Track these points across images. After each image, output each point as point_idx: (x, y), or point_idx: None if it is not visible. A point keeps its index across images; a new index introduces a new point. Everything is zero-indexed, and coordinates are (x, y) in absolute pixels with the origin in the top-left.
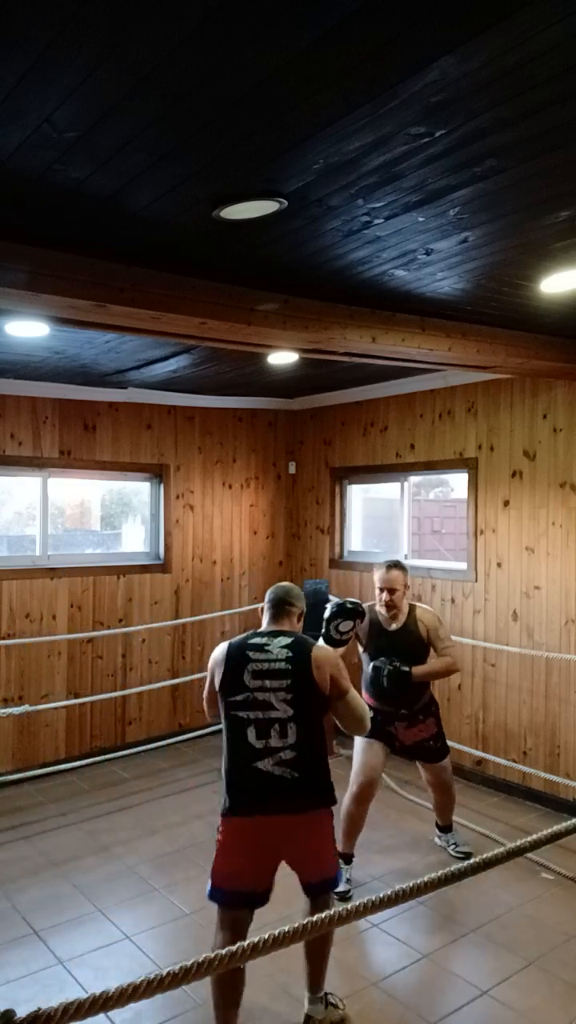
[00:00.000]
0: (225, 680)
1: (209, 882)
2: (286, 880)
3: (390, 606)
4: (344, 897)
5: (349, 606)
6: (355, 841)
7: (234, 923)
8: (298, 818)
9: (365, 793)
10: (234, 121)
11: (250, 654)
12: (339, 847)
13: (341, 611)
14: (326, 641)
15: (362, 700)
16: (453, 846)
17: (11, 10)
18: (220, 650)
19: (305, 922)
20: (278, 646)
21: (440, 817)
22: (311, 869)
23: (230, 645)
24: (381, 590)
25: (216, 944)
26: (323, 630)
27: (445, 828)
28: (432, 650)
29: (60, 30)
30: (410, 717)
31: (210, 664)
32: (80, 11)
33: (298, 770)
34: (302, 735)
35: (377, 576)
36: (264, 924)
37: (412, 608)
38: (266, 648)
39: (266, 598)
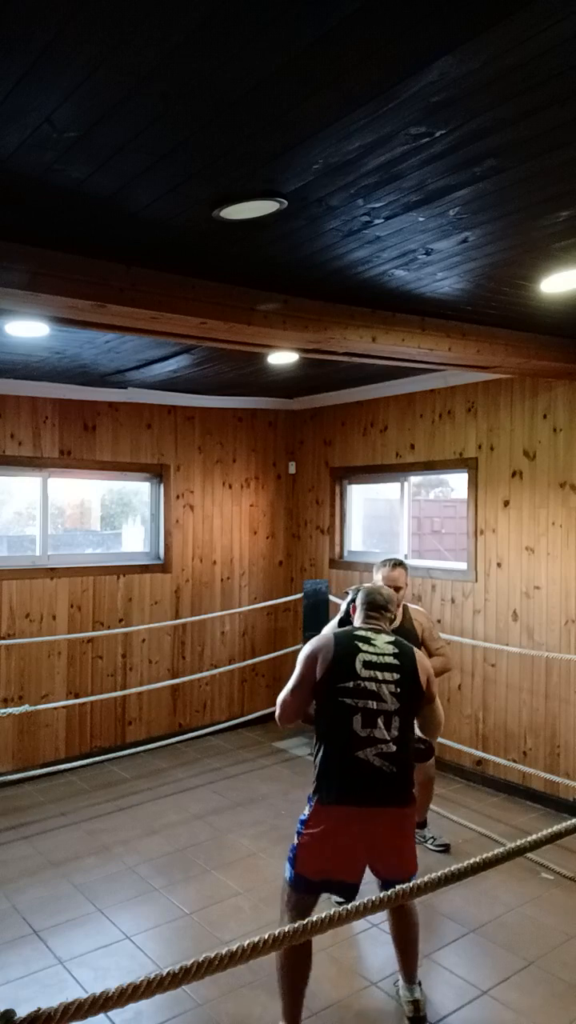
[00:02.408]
0: (335, 666)
1: (291, 867)
2: (278, 881)
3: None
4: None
5: None
6: None
7: (306, 909)
8: (391, 812)
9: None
10: (234, 121)
11: (359, 644)
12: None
13: None
14: (343, 626)
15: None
16: (431, 840)
17: (11, 10)
18: (324, 638)
19: (305, 922)
20: (383, 641)
21: (417, 814)
22: (395, 866)
23: (335, 634)
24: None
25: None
26: (341, 614)
27: (421, 824)
28: (425, 650)
29: (60, 30)
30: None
31: (309, 652)
32: (80, 11)
33: (396, 765)
34: (403, 730)
35: (381, 574)
36: (264, 924)
37: (405, 608)
38: (372, 642)
39: (366, 601)
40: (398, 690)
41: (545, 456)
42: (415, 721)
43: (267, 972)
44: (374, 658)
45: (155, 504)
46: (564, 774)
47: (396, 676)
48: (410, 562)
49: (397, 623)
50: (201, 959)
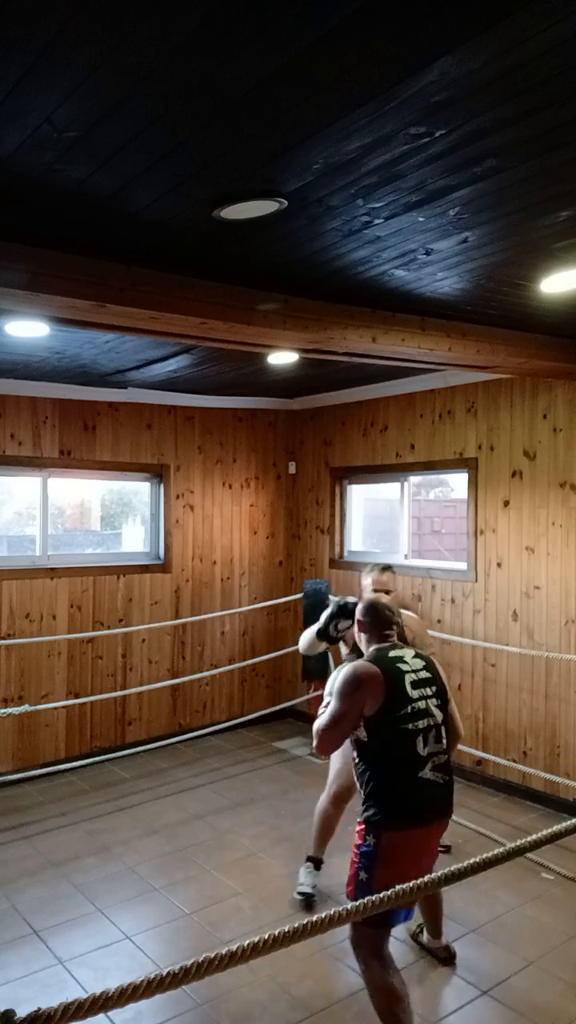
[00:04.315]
0: (390, 696)
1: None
2: (278, 881)
3: None
4: (308, 902)
5: (351, 607)
6: (327, 846)
7: (385, 945)
8: (446, 822)
9: (345, 794)
10: (234, 121)
11: (400, 667)
12: (311, 851)
13: (343, 611)
14: (322, 637)
15: None
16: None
17: (11, 10)
18: (367, 668)
19: (305, 922)
20: (411, 656)
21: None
22: (431, 866)
23: (376, 662)
24: (375, 592)
25: (378, 975)
26: (321, 626)
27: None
28: None
29: (60, 30)
30: None
31: (354, 684)
32: (80, 11)
33: (448, 774)
34: (447, 739)
35: (371, 579)
36: (264, 924)
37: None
38: (406, 660)
39: (374, 620)
40: (439, 702)
41: (545, 456)
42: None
43: (267, 972)
44: (415, 676)
45: (155, 504)
46: (564, 774)
47: (434, 688)
48: (410, 562)
49: None
50: (201, 959)
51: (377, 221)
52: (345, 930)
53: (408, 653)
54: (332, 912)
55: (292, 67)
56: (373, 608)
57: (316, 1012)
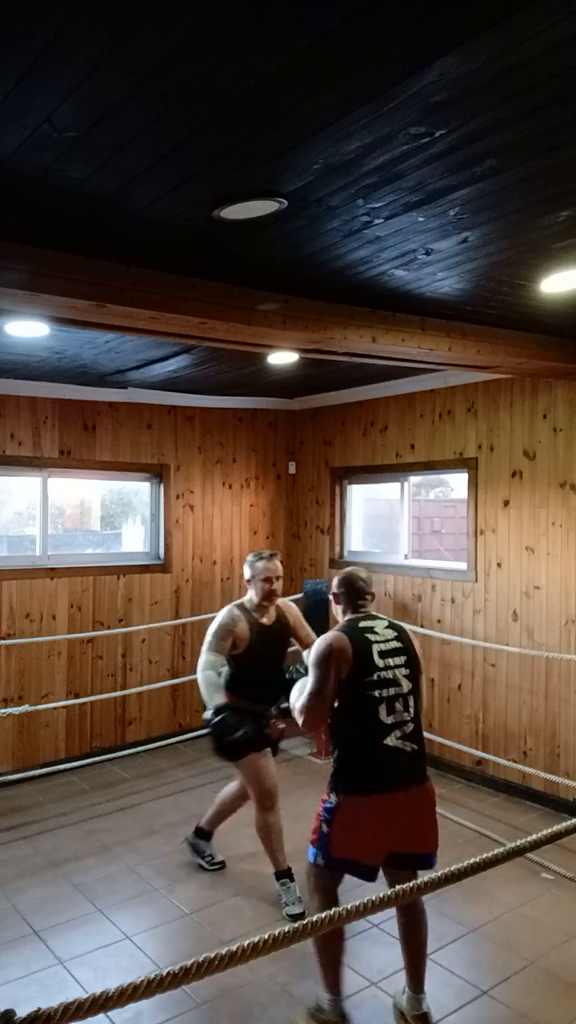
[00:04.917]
0: (357, 663)
1: (321, 853)
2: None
3: (273, 596)
4: (298, 917)
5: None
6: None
7: (334, 887)
8: (417, 789)
9: (274, 801)
10: (234, 121)
11: (369, 636)
12: (274, 865)
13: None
14: (221, 746)
15: None
16: (209, 857)
17: (11, 10)
18: (337, 638)
19: (305, 922)
20: (382, 627)
21: (217, 823)
22: (421, 839)
23: (345, 631)
24: (267, 580)
25: (316, 904)
26: (218, 741)
27: (208, 835)
28: (297, 639)
29: (60, 30)
30: (274, 716)
31: (326, 653)
32: (80, 11)
33: (416, 742)
34: (417, 708)
35: (260, 566)
36: (264, 924)
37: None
38: (376, 631)
39: (349, 590)
40: (408, 671)
41: (545, 456)
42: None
43: (267, 972)
44: (384, 646)
45: (155, 504)
46: (564, 774)
47: (404, 659)
48: (410, 562)
49: (273, 618)
50: (201, 959)
51: (377, 221)
52: (346, 929)
53: (380, 624)
54: (332, 912)
55: (292, 67)
56: (346, 580)
57: None
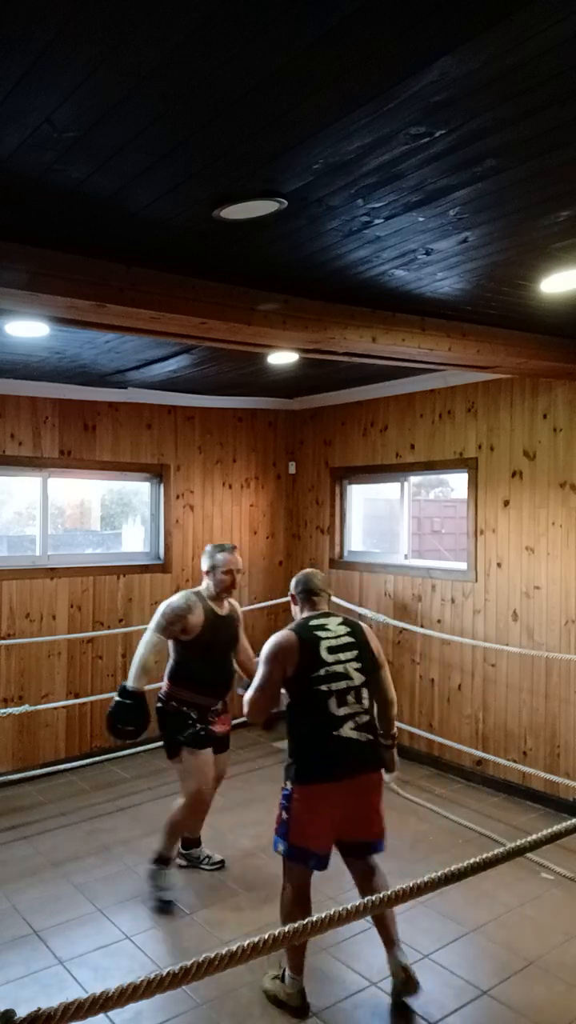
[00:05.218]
0: (304, 660)
1: (284, 843)
2: (278, 881)
3: (231, 589)
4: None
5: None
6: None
7: (305, 877)
8: (368, 777)
9: (203, 808)
10: (234, 121)
11: (318, 633)
12: (160, 847)
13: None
14: (111, 727)
15: None
16: (206, 859)
17: (11, 10)
18: (286, 637)
19: (305, 922)
20: (335, 624)
21: (197, 828)
22: (369, 825)
23: (294, 631)
24: (227, 572)
25: (288, 898)
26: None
27: (195, 842)
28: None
29: (60, 30)
30: (222, 711)
31: (273, 652)
32: (80, 11)
33: (370, 732)
34: (369, 700)
35: (220, 558)
36: (264, 924)
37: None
38: (327, 627)
39: (300, 587)
40: (360, 665)
41: (545, 456)
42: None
43: (266, 972)
44: (334, 642)
45: (155, 504)
46: (564, 774)
47: (355, 653)
48: (410, 562)
49: (226, 610)
50: (201, 959)
51: (377, 221)
52: (345, 930)
53: (333, 621)
54: (332, 912)
55: (292, 67)
56: (300, 581)
57: (317, 1012)
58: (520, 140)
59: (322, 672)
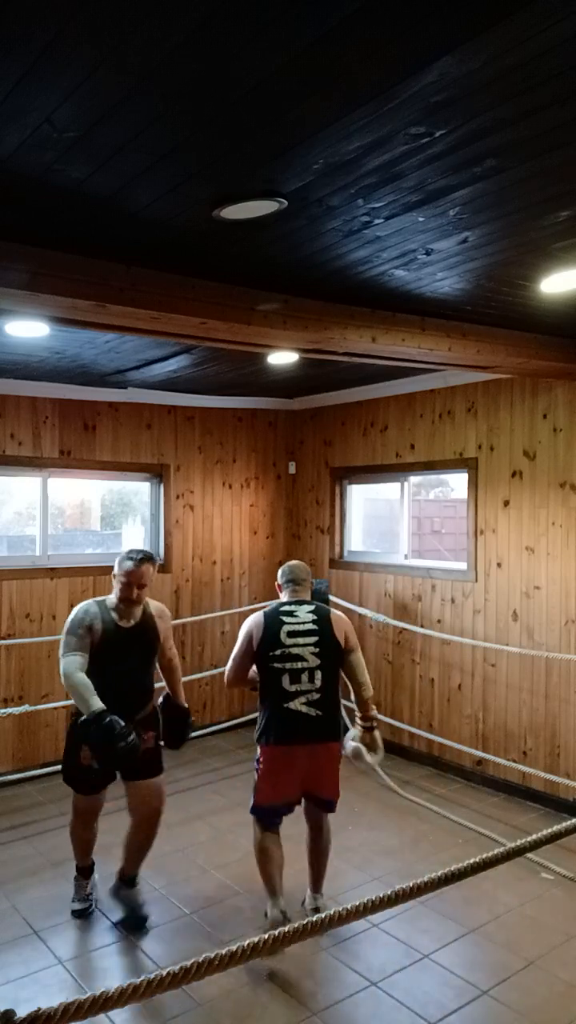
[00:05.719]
0: (264, 639)
1: (253, 797)
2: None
3: (137, 601)
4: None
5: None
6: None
7: (272, 828)
8: (318, 746)
9: (95, 815)
10: (234, 121)
11: (283, 618)
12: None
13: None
14: (117, 752)
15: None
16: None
17: (11, 10)
18: (257, 618)
19: (305, 922)
20: (304, 611)
21: (134, 863)
22: (322, 788)
23: (265, 613)
24: (128, 584)
25: (257, 840)
26: (110, 744)
27: (131, 880)
28: (160, 653)
29: (60, 30)
30: (143, 727)
31: (246, 630)
32: (80, 11)
33: (321, 709)
34: (325, 681)
35: (124, 568)
36: (263, 924)
37: (147, 605)
38: (295, 614)
39: (285, 576)
40: (317, 649)
41: (545, 456)
42: (341, 671)
43: (267, 972)
44: (296, 627)
45: (155, 504)
46: (564, 774)
47: (315, 639)
48: (410, 562)
49: (137, 619)
50: (201, 959)
51: (377, 221)
52: (345, 930)
53: (304, 609)
54: (332, 912)
55: (292, 67)
56: (285, 571)
57: (317, 1012)
58: (520, 140)
59: (278, 652)
